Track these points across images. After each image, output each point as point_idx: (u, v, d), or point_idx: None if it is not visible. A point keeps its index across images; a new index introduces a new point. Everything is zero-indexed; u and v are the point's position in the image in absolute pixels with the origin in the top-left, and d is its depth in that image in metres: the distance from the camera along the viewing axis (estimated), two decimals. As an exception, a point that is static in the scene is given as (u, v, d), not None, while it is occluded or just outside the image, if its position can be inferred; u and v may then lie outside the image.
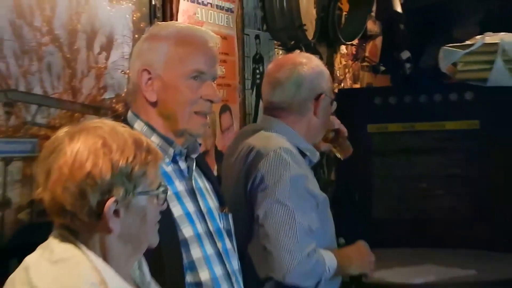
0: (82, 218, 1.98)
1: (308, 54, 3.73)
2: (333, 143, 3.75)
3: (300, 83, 3.46)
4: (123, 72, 3.22)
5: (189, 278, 2.60)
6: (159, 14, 3.55)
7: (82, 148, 1.98)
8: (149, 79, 2.65)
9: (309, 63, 3.54)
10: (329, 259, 3.24)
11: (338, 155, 3.80)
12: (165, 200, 2.16)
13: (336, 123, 3.70)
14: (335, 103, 3.63)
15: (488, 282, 4.12)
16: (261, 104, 4.59)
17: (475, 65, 5.29)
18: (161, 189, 2.11)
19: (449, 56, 5.43)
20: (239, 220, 3.05)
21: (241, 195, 3.27)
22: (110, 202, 1.95)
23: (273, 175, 3.20)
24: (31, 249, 2.09)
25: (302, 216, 3.17)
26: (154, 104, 2.66)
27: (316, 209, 3.31)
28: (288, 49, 4.82)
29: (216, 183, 2.96)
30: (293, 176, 3.21)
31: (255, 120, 4.51)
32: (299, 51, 4.42)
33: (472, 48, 5.33)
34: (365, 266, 3.50)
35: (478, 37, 5.39)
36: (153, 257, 2.29)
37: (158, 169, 2.10)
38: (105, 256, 2.03)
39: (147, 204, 2.06)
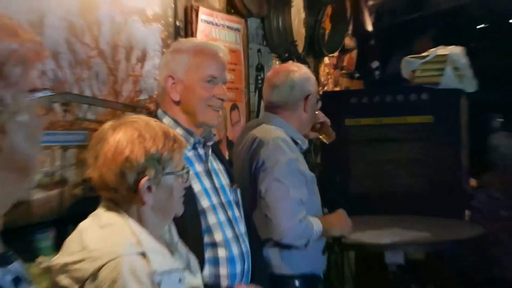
0: (122, 193, 2.07)
1: (298, 64, 3.76)
2: (320, 131, 3.79)
3: (293, 86, 3.51)
4: (154, 79, 3.24)
5: (206, 239, 2.64)
6: (182, 33, 3.58)
7: (122, 138, 2.06)
8: (173, 83, 2.71)
9: (299, 70, 3.60)
10: (316, 224, 3.28)
11: (324, 140, 3.85)
12: (188, 179, 2.22)
13: (321, 116, 3.74)
14: (320, 102, 3.69)
15: (439, 241, 4.19)
16: (262, 103, 4.62)
17: (430, 72, 5.36)
18: (185, 170, 2.18)
19: (409, 65, 5.50)
20: (246, 194, 3.11)
21: (247, 175, 3.31)
22: (144, 180, 2.03)
23: (271, 159, 3.24)
24: (83, 217, 2.14)
25: (294, 191, 3.22)
26: (177, 103, 2.72)
27: (306, 185, 3.36)
28: (283, 60, 4.82)
29: (227, 165, 3.01)
30: (287, 159, 3.26)
31: (257, 116, 4.52)
32: (291, 61, 4.43)
33: (427, 59, 5.40)
34: (344, 229, 3.53)
35: (431, 50, 5.46)
36: (179, 223, 2.35)
37: (182, 155, 2.17)
38: (141, 222, 2.09)
39: (173, 182, 2.14)
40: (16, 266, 1.30)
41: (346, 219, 3.56)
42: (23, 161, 1.27)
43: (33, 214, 2.67)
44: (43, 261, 2.11)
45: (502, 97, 7.14)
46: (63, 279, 1.99)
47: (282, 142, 3.33)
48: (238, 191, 2.94)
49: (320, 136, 3.87)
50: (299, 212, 3.21)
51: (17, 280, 1.26)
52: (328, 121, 3.78)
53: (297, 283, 3.38)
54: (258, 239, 3.09)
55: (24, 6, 2.59)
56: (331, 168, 5.18)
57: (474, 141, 5.51)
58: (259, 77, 4.68)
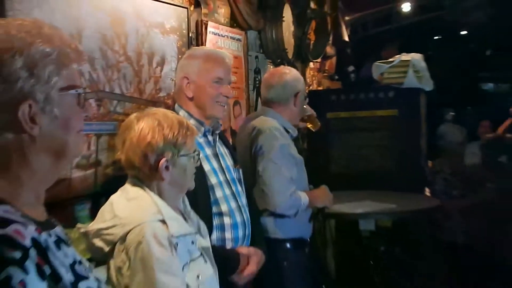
0: (145, 171, 2.07)
1: (290, 67, 3.75)
2: (308, 121, 3.80)
3: (285, 85, 3.50)
4: (171, 79, 3.24)
5: (214, 209, 2.64)
6: (194, 42, 3.57)
7: (145, 127, 2.06)
8: (188, 83, 2.71)
9: (290, 73, 3.58)
10: (303, 197, 3.27)
11: (312, 128, 3.86)
12: (199, 160, 2.22)
13: (309, 109, 3.75)
14: (307, 99, 3.67)
15: (403, 211, 4.16)
16: (259, 99, 4.61)
17: (395, 74, 5.35)
18: (196, 153, 2.18)
19: (378, 69, 5.49)
20: (247, 173, 3.09)
21: (248, 157, 3.28)
22: (162, 161, 2.04)
23: (267, 145, 3.23)
24: (114, 191, 2.14)
25: (286, 170, 3.21)
26: (191, 99, 2.71)
27: (295, 166, 3.34)
28: (276, 65, 4.80)
29: (231, 149, 3.00)
30: (280, 145, 3.25)
31: (255, 110, 4.50)
32: (283, 65, 4.41)
33: (393, 63, 5.40)
34: (326, 201, 3.52)
35: (397, 56, 5.44)
36: (192, 195, 2.34)
37: (194, 140, 2.17)
38: (160, 195, 2.09)
39: (187, 162, 2.14)
40: (58, 230, 1.31)
41: (328, 193, 3.55)
42: (58, 147, 1.28)
43: (73, 189, 2.66)
44: (81, 227, 2.08)
45: (453, 94, 7.12)
46: (98, 242, 2.01)
47: (276, 131, 3.31)
48: (240, 171, 2.93)
49: (308, 125, 3.88)
50: (290, 188, 3.20)
51: (59, 241, 1.26)
52: (314, 113, 3.80)
53: (288, 245, 3.36)
54: (257, 209, 3.07)
55: (67, 22, 2.59)
56: (315, 152, 5.17)
57: (431, 131, 5.50)
58: (257, 79, 4.66)
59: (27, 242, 1.13)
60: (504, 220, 4.43)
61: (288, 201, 3.19)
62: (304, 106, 3.66)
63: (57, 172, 1.36)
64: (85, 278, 1.28)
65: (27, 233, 1.14)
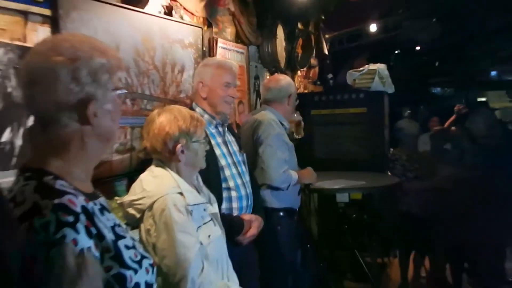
0: (165, 155, 2.09)
1: (284, 75, 3.78)
2: (295, 128, 3.84)
3: (281, 88, 3.50)
4: (189, 84, 3.22)
5: (223, 185, 2.64)
6: (207, 54, 3.55)
7: (164, 120, 2.09)
8: (202, 86, 2.70)
9: (285, 79, 3.60)
10: (294, 174, 3.29)
11: (296, 135, 3.88)
12: (208, 144, 2.25)
13: (298, 117, 3.81)
14: (297, 100, 3.67)
15: (371, 186, 4.21)
16: (258, 100, 4.60)
17: (364, 80, 5.31)
18: (205, 139, 2.19)
19: (351, 76, 5.45)
20: (250, 156, 3.13)
21: (250, 144, 3.29)
22: (178, 146, 2.06)
23: (266, 132, 3.25)
24: (143, 171, 2.16)
25: (280, 153, 3.23)
26: (205, 99, 2.72)
27: (288, 150, 3.35)
28: (272, 73, 4.79)
29: (237, 138, 2.98)
30: (276, 133, 3.27)
31: (255, 108, 4.48)
32: (278, 73, 4.41)
33: (363, 72, 5.36)
34: (311, 179, 3.55)
35: (365, 66, 5.40)
36: (206, 174, 2.35)
37: (203, 129, 2.18)
38: (178, 173, 2.09)
39: (198, 147, 2.14)
40: (101, 200, 1.34)
41: (312, 173, 3.56)
42: (108, 134, 1.31)
43: (113, 169, 2.66)
44: (118, 199, 2.08)
45: (409, 96, 7.08)
46: (131, 210, 2.03)
47: (272, 122, 3.33)
48: (244, 155, 2.92)
49: (293, 131, 3.90)
50: (283, 166, 3.22)
51: (102, 209, 1.29)
52: (302, 123, 3.83)
53: (281, 213, 3.37)
54: (257, 185, 3.07)
55: (107, 38, 2.57)
56: (303, 141, 5.13)
57: (392, 124, 5.49)
58: (256, 83, 4.63)
59: (78, 209, 1.15)
60: (446, 195, 4.43)
61: (281, 176, 3.20)
62: (295, 115, 3.68)
63: (103, 154, 1.38)
64: (123, 237, 1.28)
65: (78, 202, 1.17)
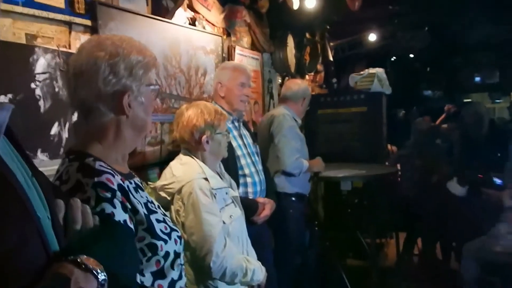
0: (192, 144, 2.07)
1: (302, 80, 3.86)
2: None
3: (298, 90, 3.55)
4: (211, 85, 3.19)
5: (240, 172, 2.64)
6: (226, 60, 3.51)
7: (191, 113, 2.07)
8: (221, 86, 2.69)
9: (303, 83, 3.72)
10: (305, 162, 3.30)
11: None
12: (229, 136, 2.23)
13: None
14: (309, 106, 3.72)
15: (371, 175, 4.16)
16: (271, 101, 4.60)
17: (365, 82, 5.25)
18: (227, 132, 2.17)
19: (353, 79, 5.41)
20: (266, 147, 3.27)
21: (267, 135, 3.33)
22: (204, 137, 2.04)
23: (281, 124, 3.30)
24: (173, 159, 2.14)
25: (294, 142, 3.27)
26: (223, 98, 2.71)
27: (300, 140, 3.38)
28: (283, 77, 4.77)
29: (251, 132, 2.97)
30: (289, 125, 3.31)
31: (269, 107, 4.49)
32: (288, 77, 4.42)
33: (363, 75, 5.31)
34: (320, 168, 3.52)
35: (366, 70, 5.35)
36: (225, 163, 2.34)
37: (225, 123, 2.16)
38: (204, 161, 2.08)
39: (221, 138, 2.12)
40: (136, 180, 1.34)
41: (321, 162, 3.54)
42: (141, 124, 1.30)
43: (146, 159, 2.67)
44: (151, 184, 2.08)
45: (404, 98, 7.01)
46: (162, 194, 2.01)
47: (287, 116, 3.36)
48: (257, 146, 2.92)
49: None
50: (296, 154, 3.25)
51: (136, 187, 1.29)
52: None
53: (293, 198, 3.37)
54: (269, 173, 3.06)
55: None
56: (311, 136, 5.08)
57: (389, 122, 5.43)
58: (270, 86, 4.60)
59: (115, 186, 1.17)
60: (434, 181, 4.41)
61: (294, 163, 3.22)
62: None
63: (137, 142, 1.38)
64: (154, 212, 1.29)
65: (115, 181, 1.18)
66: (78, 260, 0.79)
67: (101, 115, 1.23)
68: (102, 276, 0.81)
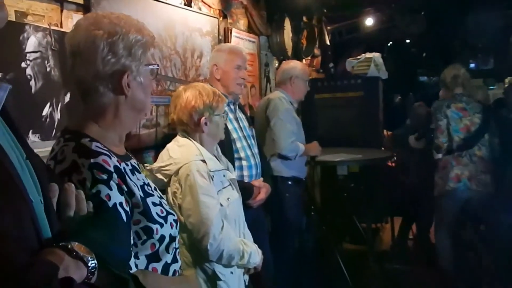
0: (191, 126, 2.02)
1: (295, 61, 3.82)
2: None
3: (283, 71, 3.51)
4: (207, 68, 3.13)
5: (235, 155, 2.61)
6: (223, 42, 3.44)
7: (190, 95, 2.02)
8: (217, 69, 2.64)
9: (288, 63, 3.65)
10: (301, 146, 3.26)
11: None
12: (227, 118, 2.24)
13: None
14: (308, 83, 3.61)
15: (367, 159, 4.12)
16: (268, 84, 4.54)
17: (362, 67, 5.20)
18: (225, 113, 2.13)
19: (350, 63, 5.35)
20: (263, 130, 3.24)
21: (263, 118, 3.29)
22: (203, 119, 1.99)
23: (277, 107, 3.26)
24: (168, 142, 2.10)
25: (289, 125, 3.24)
26: (219, 80, 2.66)
27: (296, 124, 3.35)
28: (280, 61, 4.70)
29: (246, 115, 2.93)
30: (285, 108, 3.28)
31: (265, 91, 4.44)
32: (286, 61, 4.37)
33: (360, 60, 5.25)
34: (316, 152, 3.48)
35: (362, 54, 5.30)
36: (221, 146, 2.29)
37: (224, 105, 2.11)
38: (201, 143, 2.04)
39: (219, 120, 2.08)
40: (133, 161, 1.31)
41: (318, 146, 3.50)
42: (140, 104, 1.27)
43: (142, 142, 2.62)
44: (148, 166, 2.04)
45: (400, 84, 6.97)
46: (159, 175, 1.98)
47: (283, 99, 3.33)
48: (253, 130, 2.89)
49: None
50: (292, 137, 3.22)
51: (133, 169, 1.26)
52: None
53: (289, 182, 3.34)
54: (264, 157, 3.03)
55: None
56: (308, 121, 5.02)
57: (386, 108, 5.40)
58: (266, 70, 4.54)
59: (111, 168, 1.15)
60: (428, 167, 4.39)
61: (289, 146, 3.19)
62: None
63: (135, 123, 1.41)
64: (151, 195, 1.26)
65: (111, 162, 1.16)
66: (69, 247, 0.78)
67: (99, 95, 1.20)
68: (92, 264, 0.80)
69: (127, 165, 1.23)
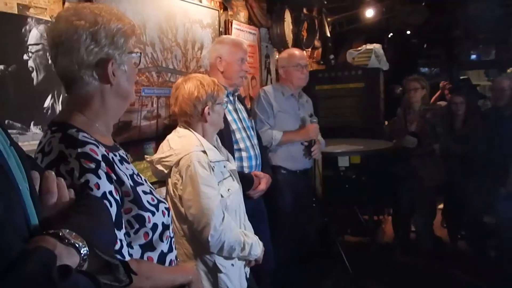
0: (194, 116, 2.03)
1: (293, 50, 3.68)
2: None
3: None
4: (208, 60, 3.11)
5: (235, 146, 2.62)
6: (223, 34, 3.44)
7: (191, 85, 2.03)
8: (220, 61, 2.64)
9: (283, 52, 3.67)
10: (276, 134, 3.28)
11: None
12: (227, 107, 2.28)
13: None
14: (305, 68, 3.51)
15: (368, 150, 4.19)
16: (268, 76, 4.53)
17: (362, 58, 5.21)
18: (225, 103, 2.17)
19: (351, 55, 5.36)
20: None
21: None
22: (206, 109, 2.00)
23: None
24: (169, 133, 2.12)
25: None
26: (222, 72, 2.66)
27: (273, 114, 3.33)
28: (280, 52, 4.67)
29: (246, 106, 2.93)
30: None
31: (266, 83, 4.42)
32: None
33: (361, 51, 5.27)
34: (305, 136, 3.39)
35: (363, 46, 5.30)
36: (220, 137, 2.30)
37: (223, 94, 2.13)
38: (204, 133, 2.06)
39: (220, 109, 2.10)
40: (121, 152, 1.31)
41: (310, 129, 3.38)
42: (125, 93, 1.27)
43: (142, 133, 2.62)
44: (148, 157, 2.05)
45: (400, 74, 6.93)
46: (159, 167, 1.99)
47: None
48: (252, 121, 2.91)
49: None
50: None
51: (121, 159, 1.26)
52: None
53: (282, 171, 3.35)
54: (264, 147, 3.05)
55: (135, 18, 2.47)
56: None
57: (386, 99, 5.39)
58: (267, 61, 4.53)
59: (99, 157, 1.14)
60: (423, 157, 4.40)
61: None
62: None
63: (121, 112, 1.34)
64: (141, 184, 1.27)
65: (99, 151, 1.16)
66: (60, 234, 0.77)
67: (84, 84, 1.20)
68: (84, 251, 0.79)
69: (115, 155, 1.23)
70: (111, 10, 1.24)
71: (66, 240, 0.77)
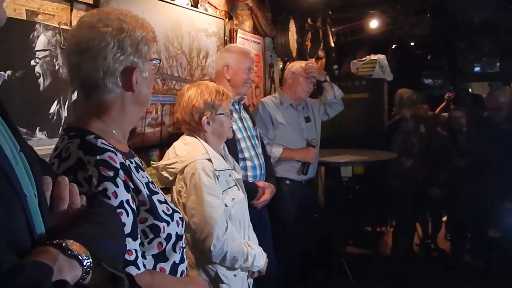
0: (194, 125, 2.05)
1: (301, 62, 3.69)
2: None
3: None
4: (212, 68, 3.15)
5: (240, 155, 2.62)
6: (228, 43, 3.45)
7: (192, 94, 2.04)
8: (227, 69, 2.65)
9: (290, 65, 3.67)
10: (276, 151, 3.30)
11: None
12: (232, 117, 2.18)
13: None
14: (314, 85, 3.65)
15: (371, 161, 4.18)
16: (272, 85, 4.54)
17: (366, 68, 5.23)
18: (229, 113, 2.12)
19: (354, 65, 5.38)
20: None
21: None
22: (204, 118, 2.01)
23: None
24: (173, 142, 2.13)
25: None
26: (228, 81, 2.66)
27: (272, 126, 3.37)
28: (285, 62, 4.70)
29: (251, 115, 2.96)
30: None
31: (270, 91, 4.41)
32: (289, 62, 4.35)
33: (365, 61, 5.27)
34: (305, 157, 3.39)
35: (367, 56, 5.32)
36: (225, 143, 2.28)
37: (229, 103, 2.11)
38: (206, 141, 2.06)
39: (223, 119, 2.08)
40: (136, 159, 1.30)
41: (308, 153, 3.39)
42: (144, 99, 1.27)
43: (147, 140, 2.64)
44: (154, 164, 2.06)
45: (404, 85, 6.94)
46: (165, 173, 2.00)
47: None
48: (258, 130, 2.92)
49: None
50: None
51: (137, 167, 1.25)
52: None
53: (287, 182, 3.37)
54: (268, 157, 3.05)
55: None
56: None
57: (390, 109, 5.40)
58: (271, 71, 4.54)
59: (117, 165, 1.13)
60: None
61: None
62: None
63: (138, 118, 1.35)
64: (156, 193, 1.25)
65: (117, 159, 1.15)
66: (64, 244, 0.75)
67: (107, 91, 1.19)
68: (87, 263, 0.77)
69: (131, 162, 1.23)
70: (134, 17, 1.24)
71: (69, 252, 0.74)
